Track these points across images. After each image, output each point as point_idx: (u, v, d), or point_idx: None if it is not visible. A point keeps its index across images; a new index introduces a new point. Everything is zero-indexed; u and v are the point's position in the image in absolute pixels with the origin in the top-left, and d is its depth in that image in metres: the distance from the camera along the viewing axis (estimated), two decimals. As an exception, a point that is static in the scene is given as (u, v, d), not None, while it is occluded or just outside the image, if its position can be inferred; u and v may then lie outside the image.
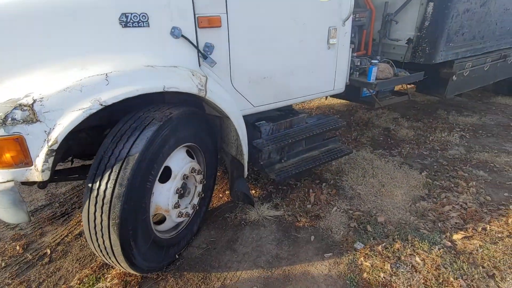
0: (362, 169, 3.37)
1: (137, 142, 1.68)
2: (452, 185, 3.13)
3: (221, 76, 2.14)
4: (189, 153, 2.19)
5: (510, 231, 2.51)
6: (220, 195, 2.97)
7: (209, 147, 2.32)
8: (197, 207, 2.31)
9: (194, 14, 1.93)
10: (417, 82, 4.01)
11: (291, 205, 2.81)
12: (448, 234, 2.47)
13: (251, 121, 2.57)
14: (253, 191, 3.02)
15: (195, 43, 1.97)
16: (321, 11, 2.44)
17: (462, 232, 2.48)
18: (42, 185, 1.98)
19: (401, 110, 5.23)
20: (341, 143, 3.03)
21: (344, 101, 5.36)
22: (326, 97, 3.69)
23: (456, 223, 2.61)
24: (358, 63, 3.04)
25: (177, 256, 2.19)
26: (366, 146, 3.95)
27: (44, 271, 2.14)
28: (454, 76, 3.58)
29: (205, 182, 2.29)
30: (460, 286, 1.99)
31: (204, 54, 2.00)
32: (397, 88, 3.95)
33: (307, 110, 5.29)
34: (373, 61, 2.90)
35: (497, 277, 2.08)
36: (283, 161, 2.69)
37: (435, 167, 3.47)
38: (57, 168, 2.28)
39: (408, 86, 4.52)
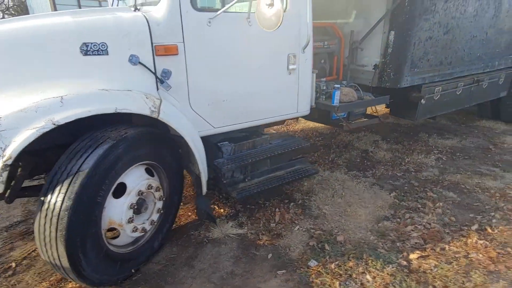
0: (333, 190, 3.44)
1: (88, 159, 1.81)
2: (419, 206, 3.17)
3: (180, 99, 2.30)
4: (150, 171, 2.32)
5: (467, 251, 2.53)
6: (189, 213, 3.06)
7: (172, 166, 2.44)
8: (157, 224, 2.40)
9: (152, 43, 2.11)
10: (391, 105, 4.15)
11: (256, 223, 2.88)
12: (405, 253, 2.50)
13: (214, 141, 2.70)
14: (222, 210, 3.10)
15: (152, 69, 2.14)
16: (279, 39, 2.62)
17: (418, 252, 2.51)
18: (8, 199, 2.10)
19: (383, 133, 5.32)
20: (308, 163, 3.13)
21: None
22: (297, 118, 3.82)
23: (416, 243, 2.64)
24: (324, 87, 3.19)
25: (133, 271, 2.26)
26: (341, 167, 4.03)
27: (6, 283, 2.22)
28: (422, 100, 3.70)
29: (164, 199, 2.40)
30: (405, 304, 2.02)
31: (161, 79, 2.17)
32: (370, 111, 4.08)
33: (291, 132, 5.42)
34: (335, 85, 3.05)
35: (446, 296, 2.10)
36: (246, 180, 2.78)
37: (405, 188, 3.52)
38: (31, 184, 2.45)
39: (384, 109, 4.65)
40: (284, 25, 2.59)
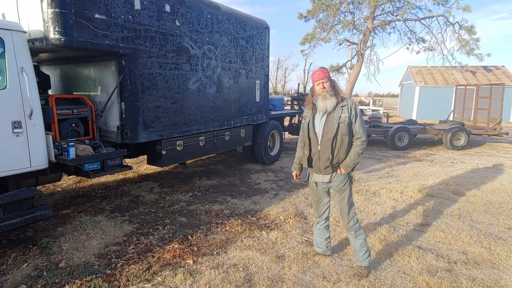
0: (84, 230, 4.07)
1: None
2: (151, 230, 4.14)
3: None
4: None
5: (162, 253, 3.53)
6: None
7: None
8: None
9: None
10: (147, 156, 5.26)
11: (-15, 269, 3.19)
12: (113, 265, 3.31)
13: None
14: (-49, 265, 3.26)
15: None
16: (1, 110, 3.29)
17: (123, 261, 3.37)
18: None
19: (164, 180, 6.42)
20: (49, 209, 3.68)
21: (134, 173, 6.25)
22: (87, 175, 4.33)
23: (129, 256, 3.50)
24: (65, 146, 3.95)
25: None
26: (105, 211, 4.74)
27: None
28: (163, 151, 4.94)
29: None
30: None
31: None
32: (132, 162, 5.05)
33: (80, 184, 5.85)
34: (70, 143, 3.87)
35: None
36: (-29, 230, 3.13)
37: (150, 219, 4.48)
38: None
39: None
40: (4, 98, 3.33)
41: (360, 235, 3.08)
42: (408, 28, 17.40)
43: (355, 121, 2.90)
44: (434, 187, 6.06)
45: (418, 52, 19.03)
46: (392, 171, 7.46)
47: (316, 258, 3.40)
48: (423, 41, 17.25)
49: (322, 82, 2.92)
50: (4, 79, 3.38)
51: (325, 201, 3.24)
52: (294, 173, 3.38)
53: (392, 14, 17.03)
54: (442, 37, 16.57)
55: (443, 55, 16.93)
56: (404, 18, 16.45)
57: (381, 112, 21.53)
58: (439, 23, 16.49)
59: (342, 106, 2.91)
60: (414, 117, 20.66)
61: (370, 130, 10.63)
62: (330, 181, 3.05)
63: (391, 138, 10.09)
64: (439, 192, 5.69)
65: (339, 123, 2.88)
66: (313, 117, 3.05)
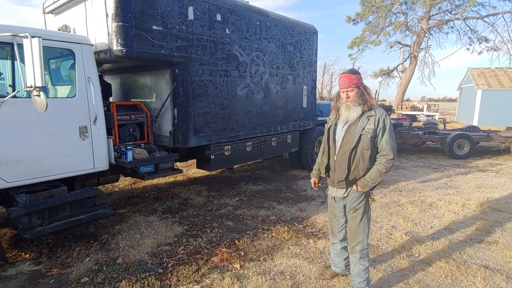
0: (138, 229, 4.30)
1: None
2: (200, 233, 4.25)
3: (-29, 160, 3.00)
4: None
5: (210, 256, 3.61)
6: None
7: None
8: None
9: None
10: (197, 161, 5.44)
11: (54, 261, 3.51)
12: (165, 264, 3.45)
13: (12, 193, 3.38)
14: (27, 254, 3.63)
15: None
16: (68, 116, 3.60)
17: (174, 261, 3.49)
18: None
19: (212, 184, 6.58)
20: (108, 208, 3.96)
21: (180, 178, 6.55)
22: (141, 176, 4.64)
23: (179, 257, 3.63)
24: (123, 149, 4.23)
25: None
26: (158, 212, 4.97)
27: None
28: (212, 155, 5.06)
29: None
30: (140, 293, 2.90)
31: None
32: (182, 166, 5.25)
33: (141, 187, 6.23)
34: (128, 147, 4.12)
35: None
36: (44, 224, 3.45)
37: (198, 222, 4.62)
38: None
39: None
40: (73, 105, 3.65)
41: (363, 263, 2.74)
42: (469, 27, 16.16)
43: (382, 136, 2.55)
44: (501, 200, 5.48)
45: (480, 53, 17.60)
46: (451, 181, 6.90)
47: (336, 280, 3.13)
48: (486, 40, 15.90)
49: (347, 91, 2.62)
50: (74, 88, 3.71)
51: (341, 221, 2.90)
52: (312, 180, 3.10)
53: (450, 13, 15.94)
54: (509, 36, 15.14)
55: (510, 55, 15.43)
56: (464, 16, 15.29)
57: (436, 117, 20.12)
58: (505, 21, 15.15)
59: (369, 116, 2.57)
60: (475, 123, 18.99)
61: (424, 137, 9.97)
62: (345, 196, 2.74)
63: (449, 146, 9.37)
64: (508, 207, 5.14)
65: (361, 135, 2.56)
66: (336, 123, 2.77)
